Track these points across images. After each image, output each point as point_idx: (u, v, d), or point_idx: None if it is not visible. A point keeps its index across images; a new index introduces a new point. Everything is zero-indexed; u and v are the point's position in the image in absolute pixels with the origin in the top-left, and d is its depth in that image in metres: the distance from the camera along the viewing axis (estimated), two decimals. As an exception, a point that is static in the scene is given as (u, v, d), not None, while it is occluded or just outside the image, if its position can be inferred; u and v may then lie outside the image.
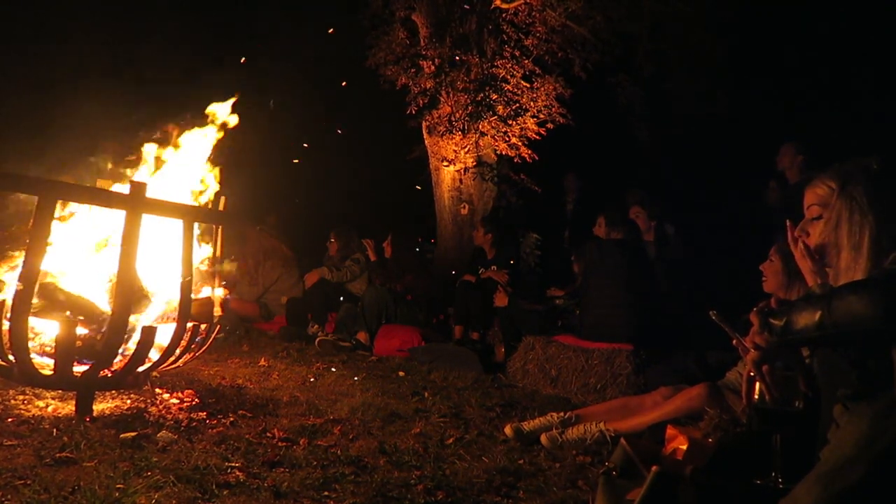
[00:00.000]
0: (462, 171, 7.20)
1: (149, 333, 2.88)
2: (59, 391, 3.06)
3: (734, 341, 1.77)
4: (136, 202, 2.82)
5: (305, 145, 7.24)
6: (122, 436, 2.54)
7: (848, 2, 7.85)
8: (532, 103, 7.00)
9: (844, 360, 1.43)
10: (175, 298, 3.12)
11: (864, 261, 1.48)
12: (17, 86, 7.26)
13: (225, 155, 3.63)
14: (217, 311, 3.39)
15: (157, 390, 3.34)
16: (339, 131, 7.40)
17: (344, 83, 6.97)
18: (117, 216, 2.94)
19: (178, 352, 3.12)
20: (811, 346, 1.64)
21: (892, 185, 1.52)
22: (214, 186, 3.54)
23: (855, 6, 7.84)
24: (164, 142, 3.51)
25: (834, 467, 1.18)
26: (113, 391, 3.19)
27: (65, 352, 2.76)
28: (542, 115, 7.01)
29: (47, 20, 7.97)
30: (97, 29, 7.87)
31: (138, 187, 2.83)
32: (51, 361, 2.86)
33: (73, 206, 3.20)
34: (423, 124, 7.26)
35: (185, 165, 3.52)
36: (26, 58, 7.75)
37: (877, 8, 7.67)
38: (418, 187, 7.78)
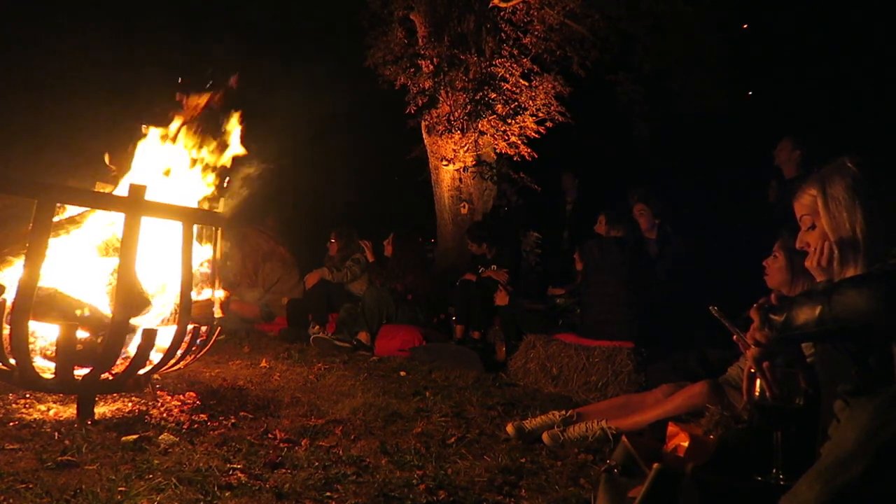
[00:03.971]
0: (462, 170, 7.19)
1: (149, 336, 2.88)
2: (61, 395, 3.06)
3: (735, 337, 1.77)
4: (135, 205, 2.82)
5: None
6: (123, 438, 2.55)
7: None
8: (531, 102, 6.98)
9: (845, 355, 1.43)
10: (175, 300, 3.12)
11: (862, 256, 1.48)
12: (13, 88, 7.26)
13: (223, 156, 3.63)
14: (217, 313, 3.39)
15: (159, 393, 3.35)
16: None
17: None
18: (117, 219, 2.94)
19: (178, 354, 3.12)
20: (812, 342, 1.64)
21: (872, 179, 1.53)
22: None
23: (854, 3, 7.84)
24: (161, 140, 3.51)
25: (835, 463, 1.18)
26: (114, 394, 3.19)
27: (65, 355, 2.76)
28: (541, 114, 7.00)
29: (43, 21, 7.97)
30: (94, 30, 7.87)
31: (137, 190, 2.83)
32: (52, 365, 2.87)
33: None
34: (423, 124, 7.25)
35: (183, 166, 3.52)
36: (23, 59, 7.75)
37: (875, 4, 7.66)
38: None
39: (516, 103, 6.99)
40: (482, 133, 7.01)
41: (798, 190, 1.67)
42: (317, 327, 5.97)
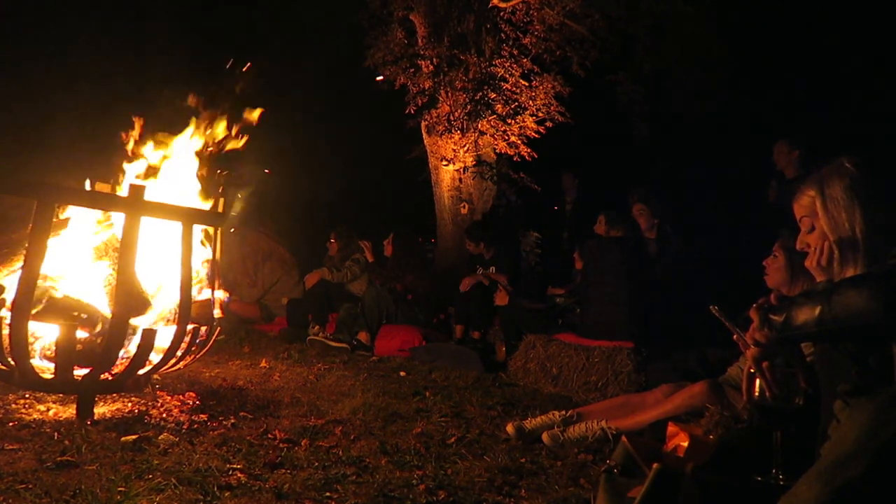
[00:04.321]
0: (461, 170, 7.19)
1: (149, 336, 2.88)
2: (60, 395, 3.06)
3: (735, 336, 1.77)
4: (135, 205, 2.82)
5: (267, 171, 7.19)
6: (123, 439, 2.54)
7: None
8: (531, 102, 6.98)
9: (844, 355, 1.43)
10: (175, 300, 3.12)
11: (862, 256, 1.48)
12: (14, 89, 7.26)
13: (224, 157, 3.63)
14: (217, 313, 3.39)
15: (158, 393, 3.35)
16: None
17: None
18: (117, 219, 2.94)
19: (178, 354, 3.12)
20: (811, 342, 1.64)
21: (871, 179, 1.53)
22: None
23: (853, 3, 7.83)
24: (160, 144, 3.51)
25: (834, 463, 1.18)
26: (114, 394, 3.19)
27: (65, 355, 2.76)
28: (540, 114, 7.00)
29: (43, 21, 7.97)
30: (93, 32, 7.87)
31: (137, 190, 2.83)
32: (51, 365, 2.87)
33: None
34: (423, 124, 7.25)
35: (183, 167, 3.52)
36: (23, 61, 7.75)
37: (874, 4, 7.66)
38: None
39: (516, 103, 6.99)
40: (482, 133, 7.01)
41: (797, 191, 1.68)
42: (316, 328, 5.97)
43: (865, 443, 1.16)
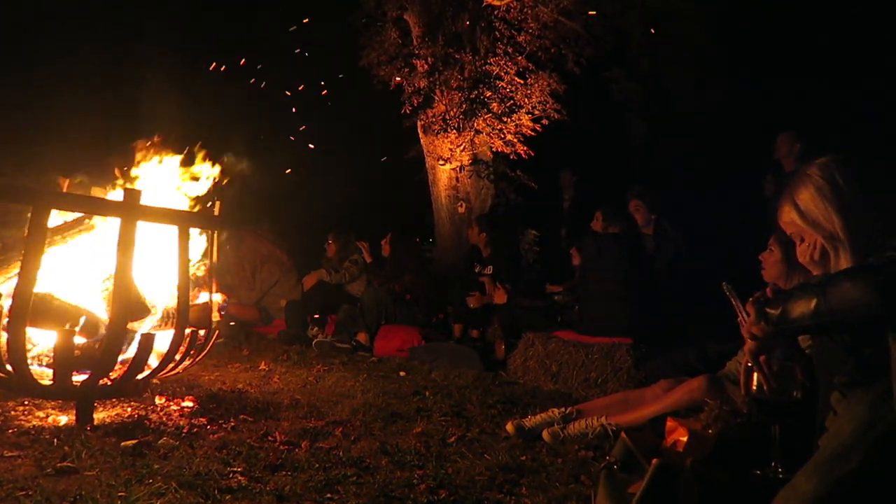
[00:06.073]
0: (458, 169, 7.19)
1: (147, 340, 2.88)
2: (59, 401, 3.05)
3: (738, 318, 1.76)
4: (131, 209, 2.81)
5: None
6: (122, 444, 2.54)
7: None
8: (526, 100, 6.98)
9: (841, 347, 1.43)
10: (173, 304, 3.12)
11: (850, 253, 1.48)
12: (11, 93, 7.25)
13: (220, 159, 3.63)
14: (215, 317, 3.39)
15: (158, 397, 3.34)
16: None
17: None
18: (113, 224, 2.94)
19: (177, 358, 3.12)
20: (808, 335, 1.65)
21: (839, 178, 1.53)
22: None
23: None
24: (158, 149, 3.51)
25: (832, 455, 1.18)
26: (113, 399, 3.18)
27: (63, 361, 2.76)
28: (536, 112, 7.00)
29: (42, 26, 7.96)
30: (93, 33, 7.86)
31: (132, 194, 2.83)
32: (50, 371, 2.86)
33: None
34: (419, 123, 7.25)
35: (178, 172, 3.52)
36: (22, 64, 7.74)
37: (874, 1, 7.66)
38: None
39: (512, 101, 6.99)
40: (478, 132, 7.01)
41: (777, 210, 1.69)
42: (315, 329, 5.96)
43: (862, 435, 1.17)
